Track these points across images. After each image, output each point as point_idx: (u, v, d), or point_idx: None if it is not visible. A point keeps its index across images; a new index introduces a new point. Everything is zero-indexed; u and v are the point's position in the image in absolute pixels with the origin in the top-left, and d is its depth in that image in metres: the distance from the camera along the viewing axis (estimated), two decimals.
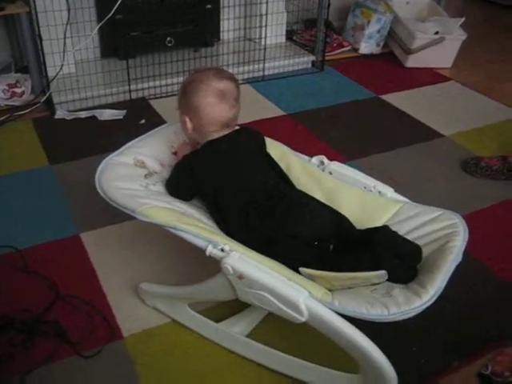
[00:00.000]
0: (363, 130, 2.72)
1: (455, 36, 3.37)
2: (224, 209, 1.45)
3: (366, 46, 3.52)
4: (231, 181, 1.46)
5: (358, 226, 1.46)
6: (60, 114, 2.68)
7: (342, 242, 1.36)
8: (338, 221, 1.43)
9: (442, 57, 3.42)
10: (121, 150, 1.62)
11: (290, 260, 1.30)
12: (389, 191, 1.57)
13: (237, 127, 1.58)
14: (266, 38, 3.19)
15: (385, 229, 1.38)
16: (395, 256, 1.28)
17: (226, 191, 1.45)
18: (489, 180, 2.32)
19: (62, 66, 2.69)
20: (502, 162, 2.33)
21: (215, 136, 1.51)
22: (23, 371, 1.43)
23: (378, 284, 1.26)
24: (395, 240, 1.34)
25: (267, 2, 3.06)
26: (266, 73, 3.21)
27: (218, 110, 1.50)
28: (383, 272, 1.22)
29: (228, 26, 3.30)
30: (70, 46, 2.73)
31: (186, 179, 1.51)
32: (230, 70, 3.02)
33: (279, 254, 1.31)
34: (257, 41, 3.37)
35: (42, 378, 1.43)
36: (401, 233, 1.43)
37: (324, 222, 1.40)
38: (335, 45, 3.55)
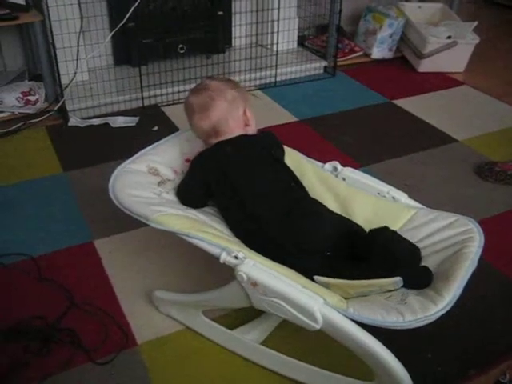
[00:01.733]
0: (376, 135, 2.71)
1: (468, 40, 3.35)
2: (234, 214, 1.46)
3: (378, 51, 3.51)
4: (239, 185, 1.46)
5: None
6: (73, 121, 2.70)
7: (355, 249, 1.36)
8: (351, 229, 1.42)
9: (454, 61, 3.41)
10: (134, 157, 1.62)
11: (303, 270, 1.30)
12: (403, 197, 1.57)
13: (250, 131, 1.59)
14: (277, 43, 3.19)
15: (383, 232, 1.37)
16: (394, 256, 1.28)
17: (235, 195, 1.45)
18: (503, 185, 2.31)
19: (76, 73, 2.71)
20: None
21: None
22: (38, 378, 1.43)
23: (393, 291, 1.25)
24: (392, 240, 1.34)
25: (279, 8, 3.07)
26: (278, 79, 3.21)
27: (193, 122, 1.57)
28: (399, 278, 1.22)
29: (240, 32, 3.31)
30: (83, 53, 2.76)
31: (196, 177, 1.53)
32: (242, 77, 3.09)
33: (293, 264, 1.31)
34: (269, 47, 3.38)
35: None
36: (415, 239, 1.43)
37: (337, 231, 1.39)
38: (347, 50, 3.54)
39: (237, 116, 1.55)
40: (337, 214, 1.49)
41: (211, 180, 1.49)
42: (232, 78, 3.03)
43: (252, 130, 1.60)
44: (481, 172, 2.37)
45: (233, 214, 1.48)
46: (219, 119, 1.53)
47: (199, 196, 1.54)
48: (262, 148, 1.56)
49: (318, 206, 1.48)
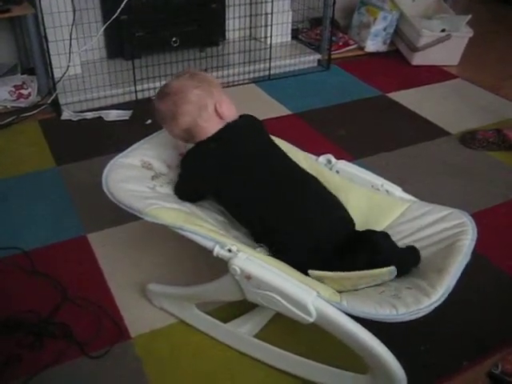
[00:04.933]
0: (370, 128, 2.71)
1: (462, 33, 3.35)
2: (232, 208, 1.46)
3: (372, 44, 3.51)
4: (230, 180, 1.44)
5: (365, 226, 1.46)
6: (66, 115, 2.69)
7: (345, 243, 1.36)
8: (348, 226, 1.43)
9: (448, 54, 3.41)
10: (127, 151, 1.61)
11: (297, 265, 1.30)
12: (397, 190, 1.57)
13: (230, 120, 1.50)
14: (271, 37, 3.18)
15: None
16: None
17: (227, 190, 1.45)
18: (486, 151, 2.49)
19: (68, 67, 2.69)
20: (497, 134, 2.51)
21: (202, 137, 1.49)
22: (31, 373, 1.43)
23: (386, 286, 1.25)
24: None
25: (272, 1, 3.05)
26: (272, 72, 3.20)
27: (166, 128, 1.56)
28: (393, 268, 1.23)
29: (233, 25, 3.29)
30: (75, 47, 2.74)
31: (188, 178, 1.51)
32: (236, 70, 3.08)
33: (286, 260, 1.31)
34: (262, 40, 3.37)
35: (50, 379, 1.43)
36: (408, 232, 1.44)
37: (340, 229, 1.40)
38: (341, 43, 3.54)
39: (207, 116, 1.46)
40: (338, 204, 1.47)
41: (203, 180, 1.47)
42: (226, 71, 3.03)
43: (231, 117, 1.50)
44: (464, 140, 2.56)
45: (235, 209, 1.47)
46: (189, 124, 1.46)
47: (195, 195, 1.52)
48: (248, 134, 1.51)
49: (323, 193, 1.47)
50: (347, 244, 1.34)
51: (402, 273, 1.29)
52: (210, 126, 1.47)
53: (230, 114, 1.50)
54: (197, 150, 1.49)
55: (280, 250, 1.35)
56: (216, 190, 1.47)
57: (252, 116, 1.57)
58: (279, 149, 1.53)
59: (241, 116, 1.54)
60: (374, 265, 1.25)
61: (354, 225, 1.44)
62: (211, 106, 1.46)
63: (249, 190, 1.42)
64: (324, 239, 1.35)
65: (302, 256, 1.33)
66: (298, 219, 1.37)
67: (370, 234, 1.37)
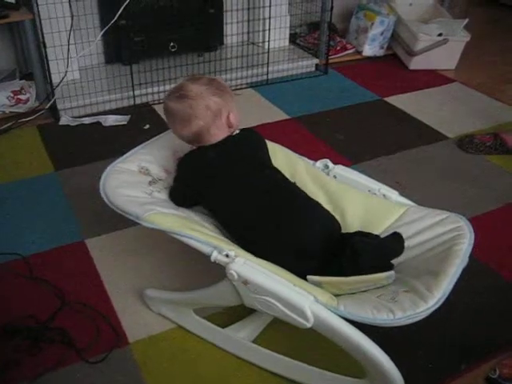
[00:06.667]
0: (368, 132, 2.72)
1: (459, 37, 3.36)
2: (221, 218, 1.47)
3: (370, 49, 3.52)
4: (225, 190, 1.45)
5: (362, 230, 1.45)
6: (64, 120, 2.69)
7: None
8: (335, 231, 1.43)
9: (445, 58, 3.42)
10: (125, 156, 1.61)
11: (295, 271, 1.30)
12: (394, 194, 1.57)
13: (237, 131, 1.55)
14: (269, 41, 3.19)
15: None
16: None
17: (218, 200, 1.46)
18: (483, 155, 2.49)
19: (66, 72, 2.70)
20: (494, 138, 2.52)
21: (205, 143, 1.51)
22: (30, 378, 1.43)
23: (384, 289, 1.25)
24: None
25: (270, 6, 3.06)
26: (270, 76, 3.21)
27: (173, 128, 1.54)
28: (392, 272, 1.24)
29: (231, 30, 3.30)
30: (73, 52, 2.74)
31: (182, 182, 1.52)
32: (234, 75, 3.09)
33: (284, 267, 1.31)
34: (260, 44, 3.38)
35: None
36: (405, 236, 1.42)
37: (326, 234, 1.38)
38: (339, 48, 3.55)
39: (220, 123, 1.48)
40: (327, 212, 1.47)
41: (197, 184, 1.48)
42: (224, 76, 3.03)
43: (237, 127, 1.55)
44: (461, 145, 2.56)
45: (223, 220, 1.48)
46: (201, 129, 1.47)
47: (188, 199, 1.53)
48: (248, 148, 1.53)
49: (309, 205, 1.46)
50: (334, 248, 1.33)
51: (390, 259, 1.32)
52: (219, 134, 1.49)
53: (238, 124, 1.53)
54: (197, 155, 1.51)
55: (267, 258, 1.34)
56: (207, 196, 1.48)
57: (252, 130, 1.60)
58: (273, 166, 1.55)
59: (243, 129, 1.57)
60: (357, 265, 1.24)
61: (339, 225, 1.44)
62: (225, 114, 1.49)
63: (239, 200, 1.43)
64: (309, 244, 1.35)
65: (289, 264, 1.32)
66: (284, 231, 1.37)
67: (348, 236, 1.36)
